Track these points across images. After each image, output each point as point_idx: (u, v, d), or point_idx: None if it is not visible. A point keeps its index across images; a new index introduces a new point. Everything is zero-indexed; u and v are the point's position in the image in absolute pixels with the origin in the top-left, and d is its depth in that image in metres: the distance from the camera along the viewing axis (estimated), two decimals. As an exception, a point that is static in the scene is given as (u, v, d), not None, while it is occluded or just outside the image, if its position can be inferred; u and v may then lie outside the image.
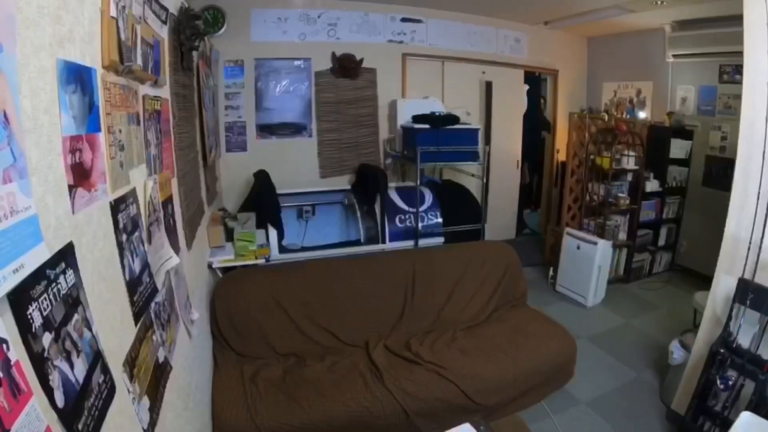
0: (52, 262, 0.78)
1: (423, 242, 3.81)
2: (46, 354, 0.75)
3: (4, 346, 0.65)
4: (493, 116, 5.20)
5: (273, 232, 3.30)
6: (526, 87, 5.63)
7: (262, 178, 3.58)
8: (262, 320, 2.64)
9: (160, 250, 1.48)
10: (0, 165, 0.66)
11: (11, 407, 0.64)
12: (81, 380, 0.85)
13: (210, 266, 2.75)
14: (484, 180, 3.90)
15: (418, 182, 3.86)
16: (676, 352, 2.63)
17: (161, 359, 1.39)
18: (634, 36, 5.15)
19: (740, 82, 2.26)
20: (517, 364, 2.47)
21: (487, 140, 5.02)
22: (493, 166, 5.11)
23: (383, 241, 3.75)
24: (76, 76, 0.93)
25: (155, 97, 1.58)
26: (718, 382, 2.12)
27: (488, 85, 5.12)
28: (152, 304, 1.34)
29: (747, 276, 2.14)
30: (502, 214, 5.43)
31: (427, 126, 3.82)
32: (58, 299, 0.80)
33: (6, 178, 0.67)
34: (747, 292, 2.09)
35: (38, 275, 0.74)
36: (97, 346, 0.94)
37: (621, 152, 4.34)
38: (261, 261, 2.90)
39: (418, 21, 4.64)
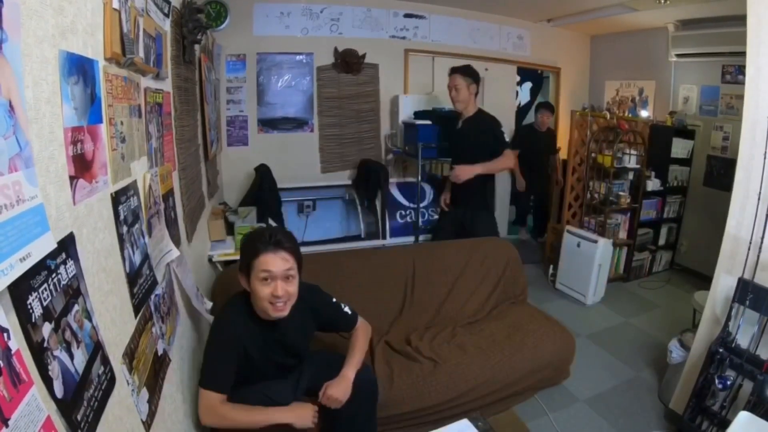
0: (52, 253, 0.79)
1: (423, 238, 3.82)
2: (45, 344, 0.75)
3: (5, 335, 0.65)
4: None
5: (273, 227, 3.30)
6: (529, 84, 5.64)
7: (263, 173, 3.58)
8: (262, 314, 2.64)
9: (160, 243, 1.49)
10: (6, 153, 0.66)
11: (11, 396, 0.64)
12: (80, 371, 0.86)
13: (210, 260, 2.76)
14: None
15: (419, 178, 3.87)
16: (674, 351, 2.63)
17: (160, 351, 1.39)
18: (637, 34, 5.14)
19: (743, 83, 2.26)
20: (516, 361, 2.47)
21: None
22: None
23: (383, 237, 3.76)
24: (78, 68, 0.93)
25: (157, 89, 1.58)
26: (717, 381, 2.12)
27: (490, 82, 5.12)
28: (152, 296, 1.35)
29: (747, 276, 2.14)
30: (500, 213, 5.41)
31: (428, 122, 3.82)
32: (59, 289, 0.80)
33: (12, 167, 0.67)
34: (746, 292, 2.09)
35: (39, 265, 0.74)
36: (97, 336, 0.95)
37: (622, 151, 4.34)
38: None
39: (421, 17, 4.63)
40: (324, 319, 1.95)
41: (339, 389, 1.75)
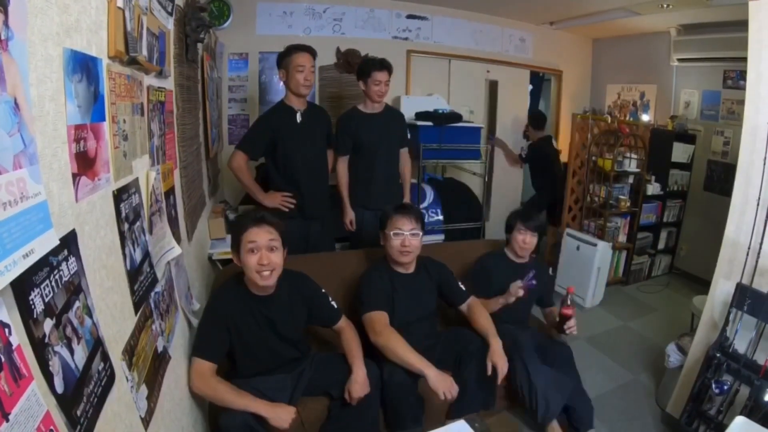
0: (54, 249, 0.79)
1: (423, 239, 3.80)
2: (46, 340, 0.76)
3: (6, 330, 0.66)
4: (498, 116, 5.20)
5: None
6: (530, 87, 5.64)
7: (263, 172, 3.58)
8: (261, 313, 2.64)
9: (161, 241, 1.49)
10: (11, 150, 0.66)
11: (12, 391, 0.65)
12: (81, 367, 0.86)
13: (210, 258, 2.76)
14: (486, 178, 3.90)
15: (420, 179, 3.87)
16: (672, 355, 2.64)
17: (160, 349, 1.40)
18: (639, 38, 5.14)
19: (744, 88, 2.26)
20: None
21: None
22: (496, 165, 5.12)
23: (383, 238, 3.75)
24: (82, 66, 0.93)
25: (160, 88, 1.59)
26: (714, 386, 2.12)
27: (493, 85, 5.12)
28: (152, 294, 1.35)
29: (745, 281, 2.14)
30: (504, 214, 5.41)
31: (429, 123, 3.83)
32: (60, 286, 0.81)
33: (17, 164, 0.68)
34: (744, 298, 2.10)
35: (41, 262, 0.75)
36: (97, 333, 0.95)
37: (623, 154, 4.34)
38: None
39: (424, 18, 4.63)
40: (313, 306, 2.08)
41: (359, 388, 1.92)
